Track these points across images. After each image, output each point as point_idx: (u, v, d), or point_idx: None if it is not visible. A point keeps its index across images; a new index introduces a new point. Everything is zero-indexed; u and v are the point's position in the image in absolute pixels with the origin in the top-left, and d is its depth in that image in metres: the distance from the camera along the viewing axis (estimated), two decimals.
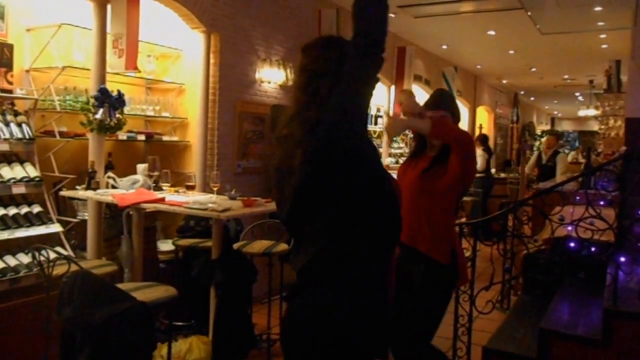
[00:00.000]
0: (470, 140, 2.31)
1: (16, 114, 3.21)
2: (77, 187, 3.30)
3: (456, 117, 2.43)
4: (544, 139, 6.95)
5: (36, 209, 3.18)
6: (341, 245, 1.42)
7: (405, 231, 1.83)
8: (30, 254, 2.78)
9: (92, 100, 3.27)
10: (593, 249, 3.30)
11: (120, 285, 2.46)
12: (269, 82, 4.91)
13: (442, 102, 2.41)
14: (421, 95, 8.95)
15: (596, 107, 10.50)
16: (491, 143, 12.27)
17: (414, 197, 2.30)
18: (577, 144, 20.45)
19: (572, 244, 3.33)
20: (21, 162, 3.19)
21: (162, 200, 2.99)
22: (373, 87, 1.42)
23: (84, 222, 3.38)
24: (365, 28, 1.36)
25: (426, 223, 2.29)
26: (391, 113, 7.32)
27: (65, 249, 3.19)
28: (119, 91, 3.38)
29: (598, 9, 6.00)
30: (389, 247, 1.51)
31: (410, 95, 2.44)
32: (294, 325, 1.46)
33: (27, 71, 3.39)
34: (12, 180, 3.05)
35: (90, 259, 3.19)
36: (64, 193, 3.32)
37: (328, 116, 1.38)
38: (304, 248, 1.47)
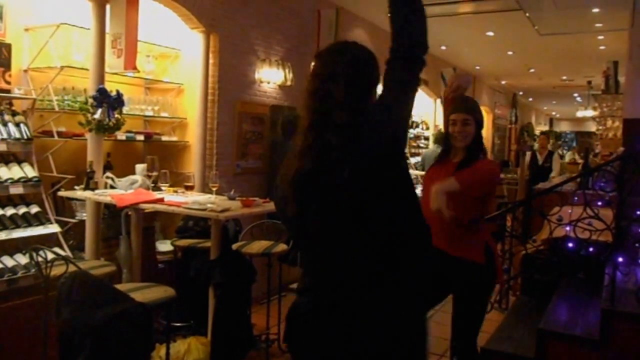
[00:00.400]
0: (496, 170, 2.46)
1: (14, 113, 3.20)
2: (76, 187, 3.29)
3: (480, 122, 2.46)
4: (538, 139, 6.98)
5: (34, 209, 3.17)
6: (389, 252, 1.38)
7: (438, 236, 1.93)
8: (28, 255, 2.77)
9: (90, 100, 3.27)
10: (591, 249, 3.31)
11: (118, 286, 2.45)
12: (268, 83, 4.91)
13: (467, 106, 2.46)
14: (420, 96, 8.96)
15: (594, 108, 10.51)
16: (489, 143, 12.29)
17: (456, 205, 2.33)
18: (574, 144, 20.50)
19: (570, 244, 3.34)
20: (19, 162, 3.18)
21: (161, 200, 2.98)
22: None
23: (82, 222, 3.37)
24: (417, 38, 1.41)
25: (456, 227, 2.32)
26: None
27: (63, 249, 3.18)
28: (117, 91, 3.37)
29: (596, 10, 6.01)
30: (426, 249, 1.48)
31: (466, 75, 2.54)
32: (364, 336, 1.38)
33: (26, 71, 3.38)
34: (9, 181, 3.04)
35: (89, 260, 3.19)
36: (62, 193, 3.31)
37: (385, 123, 1.36)
38: (338, 259, 1.39)
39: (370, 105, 1.42)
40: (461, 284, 2.36)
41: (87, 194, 3.16)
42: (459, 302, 2.43)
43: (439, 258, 2.30)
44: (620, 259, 3.05)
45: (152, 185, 3.39)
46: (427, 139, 9.03)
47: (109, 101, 3.28)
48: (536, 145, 12.35)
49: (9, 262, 2.96)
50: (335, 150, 1.34)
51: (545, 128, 20.55)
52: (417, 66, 1.42)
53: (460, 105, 2.46)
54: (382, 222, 1.36)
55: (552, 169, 7.07)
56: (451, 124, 2.44)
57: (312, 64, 1.50)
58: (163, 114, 4.18)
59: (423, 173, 5.73)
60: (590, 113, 12.63)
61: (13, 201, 3.16)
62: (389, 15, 1.42)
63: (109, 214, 3.59)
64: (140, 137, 3.95)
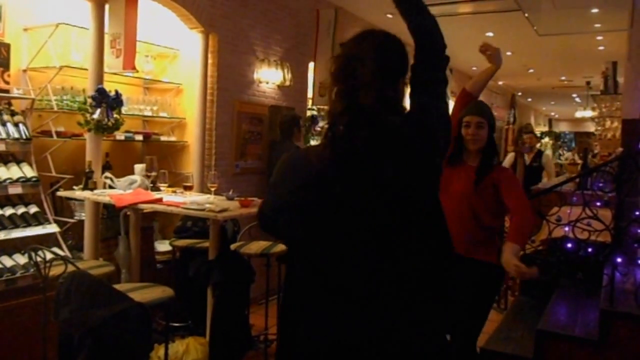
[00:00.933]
0: (532, 211, 2.44)
1: (13, 113, 3.20)
2: (74, 187, 3.29)
3: (493, 126, 2.46)
4: (524, 137, 6.39)
5: (33, 209, 3.16)
6: (426, 257, 1.32)
7: (459, 241, 2.00)
8: (26, 255, 2.77)
9: (89, 100, 3.27)
10: (590, 249, 3.31)
11: (117, 286, 2.45)
12: (267, 83, 4.91)
13: (481, 109, 2.46)
14: None
15: (593, 109, 10.52)
16: None
17: (467, 209, 2.36)
18: (573, 144, 20.52)
19: (569, 245, 3.34)
20: (18, 162, 3.18)
21: (159, 200, 2.98)
22: None
23: (81, 222, 3.37)
24: (441, 42, 1.39)
25: (480, 231, 2.35)
26: None
27: (62, 249, 3.18)
28: (116, 91, 3.37)
29: (595, 10, 6.02)
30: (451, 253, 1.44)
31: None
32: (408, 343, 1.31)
33: (24, 71, 3.37)
34: (8, 181, 3.04)
35: (87, 260, 3.19)
36: (61, 193, 3.31)
37: (435, 122, 1.34)
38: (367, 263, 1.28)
39: (399, 96, 1.35)
40: (473, 285, 2.35)
41: (86, 194, 3.15)
42: (467, 304, 2.39)
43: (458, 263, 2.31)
44: (619, 260, 3.05)
45: (151, 185, 3.39)
46: None
47: (107, 101, 3.27)
48: (538, 145, 12.11)
49: (7, 262, 2.95)
50: (364, 140, 1.26)
51: (545, 128, 20.57)
52: (446, 65, 1.42)
53: (475, 107, 2.43)
54: (417, 220, 1.30)
55: (539, 169, 6.63)
56: (464, 126, 2.42)
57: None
58: (162, 114, 4.18)
59: None
60: (589, 113, 12.64)
61: (12, 201, 3.15)
62: (409, 27, 1.40)
63: (108, 214, 3.59)
64: (139, 137, 3.94)
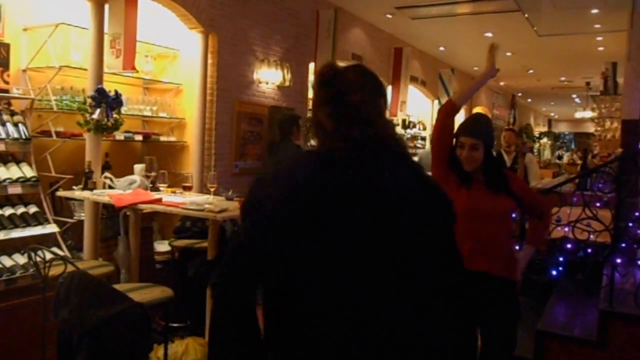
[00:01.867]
0: (548, 203, 2.54)
1: (12, 113, 3.20)
2: (74, 187, 3.29)
3: (489, 145, 2.30)
4: (502, 135, 5.32)
5: (32, 209, 3.16)
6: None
7: (477, 257, 2.10)
8: (26, 255, 2.77)
9: (89, 100, 3.27)
10: (589, 250, 3.31)
11: (116, 286, 2.45)
12: (267, 83, 4.91)
13: (477, 131, 2.28)
14: (416, 95, 8.96)
15: (592, 109, 10.52)
16: None
17: (508, 227, 2.33)
18: (573, 145, 20.53)
19: (568, 245, 3.35)
20: (17, 162, 3.18)
21: (159, 200, 2.98)
22: None
23: (81, 222, 3.37)
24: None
25: (500, 248, 2.28)
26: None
27: (61, 249, 3.18)
28: (116, 91, 3.37)
29: (595, 11, 6.03)
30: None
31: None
32: None
33: (24, 71, 3.38)
34: (8, 181, 3.04)
35: (87, 260, 3.18)
36: (61, 193, 3.31)
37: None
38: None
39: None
40: (502, 301, 2.27)
41: (86, 194, 3.15)
42: (500, 320, 2.28)
43: (477, 280, 2.21)
44: (619, 260, 3.06)
45: (151, 185, 3.39)
46: (423, 139, 9.05)
47: (107, 101, 3.27)
48: (536, 145, 11.88)
49: (7, 262, 2.95)
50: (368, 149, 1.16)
51: (544, 129, 20.58)
52: None
53: (471, 127, 2.29)
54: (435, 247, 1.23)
55: (523, 171, 5.59)
56: (459, 147, 2.27)
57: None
58: (161, 114, 4.18)
59: None
60: (588, 114, 12.65)
61: (11, 201, 3.15)
62: None
63: (108, 214, 3.59)
64: (139, 137, 3.94)
